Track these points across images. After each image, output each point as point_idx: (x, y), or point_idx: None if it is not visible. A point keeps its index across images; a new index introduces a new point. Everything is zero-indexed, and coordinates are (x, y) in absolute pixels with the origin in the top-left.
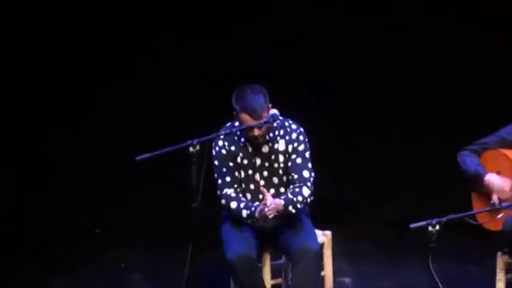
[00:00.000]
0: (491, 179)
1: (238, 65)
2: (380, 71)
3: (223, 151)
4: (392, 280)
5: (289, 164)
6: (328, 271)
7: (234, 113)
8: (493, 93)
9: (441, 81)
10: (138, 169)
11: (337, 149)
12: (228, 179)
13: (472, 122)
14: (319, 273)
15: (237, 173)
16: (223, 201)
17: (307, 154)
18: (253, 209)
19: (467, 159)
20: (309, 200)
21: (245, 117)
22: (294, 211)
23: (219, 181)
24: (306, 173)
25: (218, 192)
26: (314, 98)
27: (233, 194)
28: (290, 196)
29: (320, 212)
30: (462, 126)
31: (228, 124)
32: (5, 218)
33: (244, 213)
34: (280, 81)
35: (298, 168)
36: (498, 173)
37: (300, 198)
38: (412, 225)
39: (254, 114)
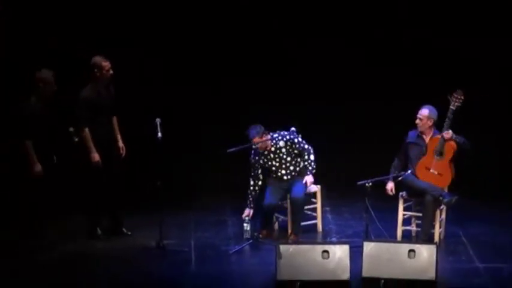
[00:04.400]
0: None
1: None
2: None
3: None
4: (350, 208)
5: (295, 146)
6: (318, 205)
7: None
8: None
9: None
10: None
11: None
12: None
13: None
14: (303, 210)
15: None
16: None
17: (296, 139)
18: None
19: (392, 168)
20: (313, 157)
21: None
22: (314, 171)
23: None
24: (305, 145)
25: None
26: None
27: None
28: (310, 168)
29: (315, 174)
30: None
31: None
32: (159, 179)
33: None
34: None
35: (300, 145)
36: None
37: (312, 163)
38: (358, 183)
39: (253, 138)
